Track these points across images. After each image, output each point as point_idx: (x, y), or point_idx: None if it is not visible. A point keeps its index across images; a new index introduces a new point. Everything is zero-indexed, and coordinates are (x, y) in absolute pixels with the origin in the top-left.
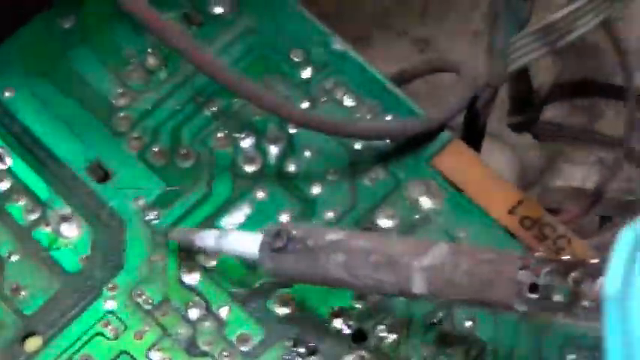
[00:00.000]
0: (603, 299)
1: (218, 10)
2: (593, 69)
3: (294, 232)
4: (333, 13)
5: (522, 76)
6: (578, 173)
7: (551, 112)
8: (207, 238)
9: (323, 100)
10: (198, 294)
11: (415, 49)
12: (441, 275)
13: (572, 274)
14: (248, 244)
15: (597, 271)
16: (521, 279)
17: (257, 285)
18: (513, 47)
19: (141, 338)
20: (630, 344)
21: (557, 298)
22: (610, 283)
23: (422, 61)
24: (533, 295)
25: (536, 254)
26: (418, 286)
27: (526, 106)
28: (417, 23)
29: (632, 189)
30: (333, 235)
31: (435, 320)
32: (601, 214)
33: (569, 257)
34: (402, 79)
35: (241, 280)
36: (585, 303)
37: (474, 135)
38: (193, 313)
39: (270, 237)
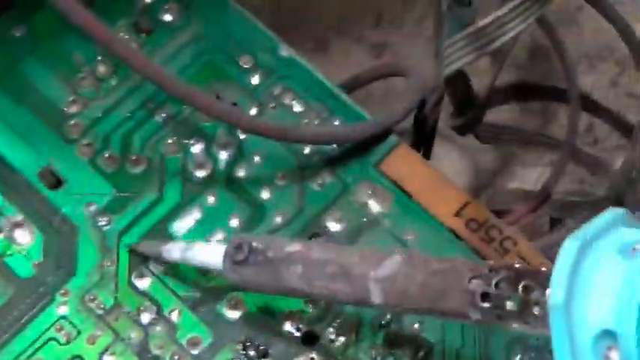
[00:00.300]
0: (549, 308)
1: (167, 17)
2: (543, 73)
3: (255, 245)
4: (291, 20)
5: (459, 78)
6: (531, 175)
7: (504, 115)
8: (173, 251)
9: (271, 105)
10: (150, 298)
11: (372, 55)
12: (396, 286)
13: (523, 283)
14: (212, 256)
15: (546, 280)
16: (473, 288)
17: (207, 289)
18: (447, 51)
19: (93, 343)
20: (576, 351)
21: (510, 306)
22: (554, 292)
23: (373, 66)
24: (486, 304)
25: (488, 262)
26: (374, 296)
27: (467, 108)
28: (373, 29)
29: (584, 190)
30: (291, 247)
31: (383, 322)
32: (551, 215)
33: (519, 265)
34: (355, 84)
35: (192, 284)
36: (536, 311)
37: (423, 138)
38: (145, 317)
39: (232, 249)
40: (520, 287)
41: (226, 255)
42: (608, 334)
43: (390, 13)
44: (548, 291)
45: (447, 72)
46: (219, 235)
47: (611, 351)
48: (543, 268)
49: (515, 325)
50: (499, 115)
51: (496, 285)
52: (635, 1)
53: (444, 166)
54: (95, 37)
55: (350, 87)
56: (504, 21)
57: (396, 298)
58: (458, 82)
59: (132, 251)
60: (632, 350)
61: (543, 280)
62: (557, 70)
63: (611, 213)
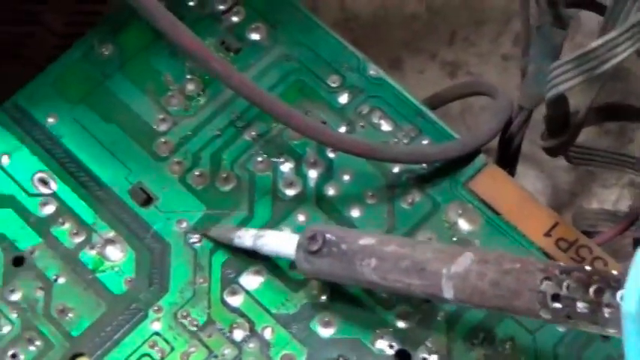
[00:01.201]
0: (622, 316)
1: (254, 36)
2: (624, 93)
3: (329, 236)
4: (364, 39)
5: (560, 101)
6: (611, 195)
7: (582, 136)
8: (245, 238)
9: (360, 124)
10: (242, 315)
11: (445, 73)
12: (468, 283)
13: (594, 285)
14: (285, 244)
15: (618, 283)
16: (545, 289)
17: (300, 305)
18: (552, 74)
19: (187, 359)
20: None
21: (580, 307)
22: (628, 301)
23: (458, 84)
24: (557, 305)
25: (559, 263)
26: (445, 292)
27: (562, 130)
28: (447, 47)
29: None
30: (365, 240)
31: (475, 341)
32: (635, 236)
33: (591, 267)
34: (438, 102)
35: (284, 301)
36: (607, 313)
37: (508, 157)
38: (238, 334)
39: (305, 239)
40: (591, 289)
41: (300, 245)
42: None
43: (464, 30)
44: (619, 294)
45: (553, 94)
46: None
47: None
48: (614, 271)
49: (585, 327)
50: (582, 135)
51: (567, 286)
52: None
53: (522, 185)
54: (195, 55)
55: (431, 105)
56: (615, 44)
57: (467, 294)
58: (558, 104)
59: (204, 236)
60: None
61: (615, 283)
62: (632, 89)
63: None
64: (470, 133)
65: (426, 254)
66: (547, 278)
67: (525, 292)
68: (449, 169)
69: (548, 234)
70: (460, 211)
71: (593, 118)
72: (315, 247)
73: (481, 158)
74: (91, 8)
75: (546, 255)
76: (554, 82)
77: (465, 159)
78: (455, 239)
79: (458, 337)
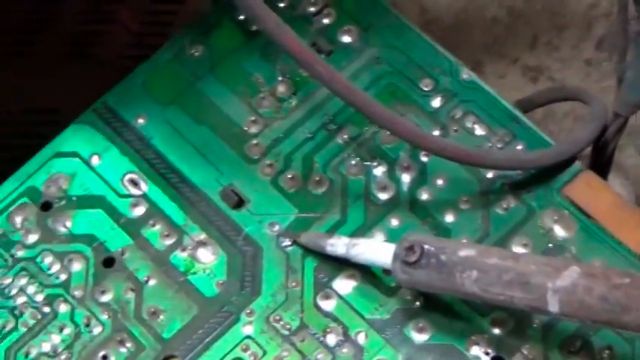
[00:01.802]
0: None
1: (346, 39)
2: None
3: (427, 247)
4: (445, 42)
5: None
6: None
7: None
8: (337, 246)
9: (454, 129)
10: (335, 319)
11: (527, 78)
12: (574, 297)
13: None
14: (380, 254)
15: None
16: None
17: (393, 310)
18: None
19: None
20: None
21: None
22: None
23: (547, 89)
24: None
25: None
26: (551, 306)
27: None
28: (529, 52)
29: None
30: (465, 252)
31: (573, 349)
32: None
33: None
34: (527, 107)
35: (377, 306)
36: None
37: (601, 164)
38: (331, 339)
39: (403, 250)
40: None
41: (397, 256)
42: None
43: (546, 35)
44: None
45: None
46: (380, 236)
47: None
48: None
49: None
50: None
51: None
52: None
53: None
54: (298, 58)
55: (523, 109)
56: None
57: (574, 309)
58: None
59: (295, 243)
60: None
61: None
62: None
63: None
64: (566, 140)
65: (530, 267)
66: None
67: (634, 308)
68: (544, 175)
69: None
70: (555, 218)
71: None
72: (413, 259)
73: (576, 165)
74: (167, 8)
75: None
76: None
77: (561, 165)
78: (550, 245)
79: (554, 344)
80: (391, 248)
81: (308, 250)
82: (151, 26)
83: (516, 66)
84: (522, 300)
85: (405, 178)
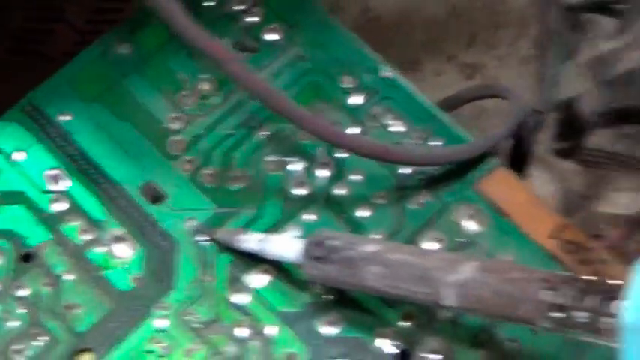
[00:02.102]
0: (621, 328)
1: (271, 37)
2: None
3: (335, 243)
4: (385, 40)
5: (571, 104)
6: (623, 200)
7: (596, 139)
8: (250, 241)
9: (373, 125)
10: (247, 314)
11: (463, 75)
12: (470, 292)
13: (595, 295)
14: (290, 250)
15: (618, 294)
16: (545, 298)
17: (304, 305)
18: (563, 77)
19: (190, 356)
20: None
21: (580, 317)
22: (628, 313)
23: (471, 86)
24: (556, 314)
25: (561, 274)
26: (448, 299)
27: (572, 133)
28: (466, 49)
29: None
30: (370, 247)
31: (478, 341)
32: None
33: (590, 277)
34: (452, 104)
35: (289, 300)
36: (606, 324)
37: (520, 160)
38: (242, 332)
39: (311, 245)
40: (591, 300)
41: (305, 251)
42: None
43: (484, 34)
44: (618, 304)
45: (563, 97)
46: (295, 231)
47: None
48: (614, 281)
49: (584, 336)
50: (592, 138)
51: (567, 296)
52: None
53: (534, 189)
54: (204, 50)
55: (448, 107)
56: (625, 49)
57: (470, 302)
58: (569, 107)
59: (211, 239)
60: None
61: (614, 294)
62: None
63: None
64: (482, 136)
65: (430, 262)
66: (548, 288)
67: (526, 301)
68: (460, 170)
69: (554, 236)
70: (469, 213)
71: (607, 121)
72: (320, 253)
73: (491, 161)
74: (112, 6)
75: (553, 257)
76: (566, 84)
77: (476, 161)
78: (463, 240)
79: (461, 337)
80: (301, 244)
81: (223, 246)
82: (96, 24)
83: (453, 63)
84: (422, 294)
85: (322, 174)
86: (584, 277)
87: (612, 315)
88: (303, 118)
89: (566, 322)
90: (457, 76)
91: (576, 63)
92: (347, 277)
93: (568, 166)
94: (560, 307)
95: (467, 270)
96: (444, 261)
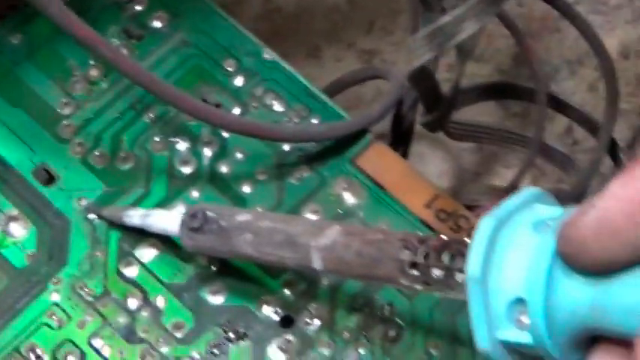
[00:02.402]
0: (467, 280)
1: (156, 24)
2: (525, 79)
3: (209, 213)
4: (285, 29)
5: (424, 75)
6: (512, 175)
7: (485, 117)
8: (133, 217)
9: (254, 105)
10: (137, 286)
11: (362, 61)
12: (335, 254)
13: (448, 253)
14: (170, 223)
15: (467, 250)
16: (403, 257)
17: (191, 276)
18: (409, 49)
19: (83, 327)
20: (491, 317)
21: (435, 274)
22: (471, 265)
23: (355, 70)
24: (414, 272)
25: (417, 234)
26: (315, 263)
27: (436, 105)
28: (365, 36)
29: (560, 190)
30: (242, 216)
31: (356, 306)
32: None
33: (445, 236)
34: (339, 88)
35: (176, 272)
36: (459, 279)
37: (401, 137)
38: (132, 304)
39: (188, 217)
40: (446, 257)
41: (183, 223)
42: (520, 301)
43: (381, 20)
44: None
45: (410, 68)
46: (181, 207)
47: (522, 315)
48: (467, 239)
49: (441, 292)
50: (481, 116)
51: (424, 254)
52: (608, 12)
53: (428, 167)
54: (86, 42)
55: (335, 90)
56: (462, 19)
57: (334, 264)
58: (423, 78)
59: (99, 216)
60: (539, 313)
61: (465, 250)
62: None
63: (528, 191)
64: (358, 113)
65: (297, 228)
66: (406, 247)
67: (386, 260)
68: (338, 147)
69: (428, 205)
70: (346, 186)
71: (476, 95)
72: (196, 224)
73: (368, 137)
74: None
75: (427, 226)
76: (411, 55)
77: (353, 137)
78: (340, 211)
79: (340, 302)
80: (180, 217)
81: (111, 223)
82: None
83: (352, 50)
84: (291, 259)
85: (207, 152)
86: (439, 236)
87: (462, 270)
88: (182, 100)
89: (424, 279)
90: (356, 62)
91: (417, 36)
92: (222, 246)
93: (461, 145)
94: (417, 265)
95: (330, 234)
96: (310, 226)
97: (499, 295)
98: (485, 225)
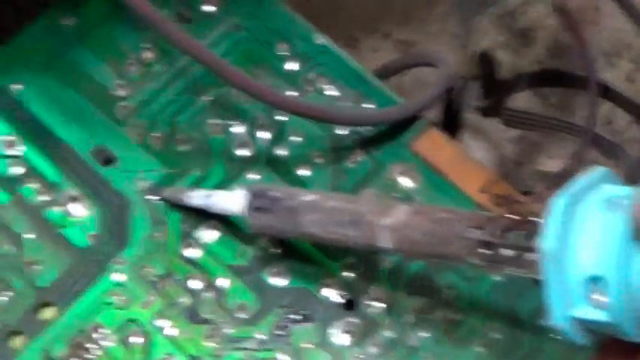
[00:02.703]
0: (542, 255)
1: (207, 8)
2: (563, 65)
3: (274, 193)
4: (321, 17)
5: (485, 60)
6: (555, 165)
7: (528, 104)
8: (195, 197)
9: (308, 89)
10: (199, 267)
11: (398, 51)
12: (402, 233)
13: (518, 231)
14: (233, 203)
15: (539, 229)
16: (472, 236)
17: (253, 257)
18: (472, 31)
19: (147, 307)
20: (566, 294)
21: (505, 252)
22: (547, 241)
23: (402, 55)
24: (483, 250)
25: (487, 213)
26: (382, 242)
27: (494, 89)
28: (400, 27)
29: None
30: (308, 197)
31: (416, 289)
32: None
33: (514, 216)
34: (385, 74)
35: (238, 254)
36: (530, 257)
37: (451, 123)
38: (194, 284)
39: (252, 197)
40: (515, 235)
41: (248, 202)
42: (596, 279)
43: (416, 11)
44: (540, 238)
45: (474, 50)
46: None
47: (598, 293)
48: (537, 219)
49: (510, 271)
50: (524, 103)
51: (493, 233)
52: None
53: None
54: (151, 22)
55: (380, 76)
56: (528, 3)
57: (403, 243)
58: (484, 61)
59: (159, 197)
60: (616, 291)
61: (536, 229)
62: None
63: (597, 171)
64: (412, 99)
65: (363, 207)
66: (474, 227)
67: (454, 239)
68: (392, 131)
69: (484, 190)
70: (402, 170)
71: (529, 82)
72: (262, 204)
73: (423, 121)
74: None
75: (482, 210)
76: (476, 39)
77: (407, 122)
78: (397, 195)
79: (400, 285)
80: (244, 196)
81: (171, 204)
82: (36, 3)
83: (389, 40)
84: (357, 238)
85: (264, 135)
86: (507, 216)
87: (534, 249)
88: (241, 80)
89: (493, 257)
90: (393, 53)
91: (483, 17)
92: (287, 225)
93: (502, 135)
94: (487, 244)
95: (398, 213)
96: (376, 206)
97: (575, 272)
98: (558, 202)
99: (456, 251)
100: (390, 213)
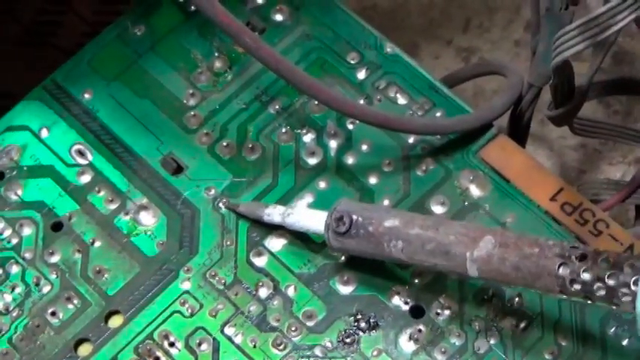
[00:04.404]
0: (638, 300)
1: (278, 17)
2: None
3: (355, 218)
4: (382, 26)
5: (564, 68)
6: (617, 172)
7: (589, 110)
8: (273, 215)
9: (377, 98)
10: (267, 274)
11: (460, 58)
12: (491, 266)
13: (610, 270)
14: (313, 223)
15: (632, 267)
16: (563, 274)
17: (320, 265)
18: (557, 42)
19: (215, 315)
20: None
21: (598, 290)
22: None
23: (471, 64)
24: (575, 287)
25: (576, 248)
26: (471, 271)
27: (567, 99)
28: (461, 34)
29: None
30: (390, 222)
31: (486, 297)
32: (637, 203)
33: (607, 251)
34: (452, 82)
35: (306, 262)
36: (622, 295)
37: (518, 132)
38: (263, 292)
39: (333, 221)
40: (607, 273)
41: (328, 226)
42: None
43: (478, 18)
44: (634, 279)
45: (558, 60)
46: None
47: None
48: (625, 254)
49: (602, 306)
50: (589, 111)
51: (584, 270)
52: None
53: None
54: (227, 30)
55: (448, 85)
56: (617, 11)
57: (492, 276)
58: (563, 71)
59: (234, 212)
60: None
61: (629, 266)
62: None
63: None
64: (482, 107)
65: (449, 237)
66: (564, 264)
67: (545, 276)
68: (461, 140)
69: (553, 198)
70: (471, 178)
71: (599, 90)
72: (343, 229)
73: (492, 130)
74: None
75: (553, 218)
76: (560, 49)
77: (477, 131)
78: (466, 204)
79: (469, 293)
80: (323, 217)
81: (247, 220)
82: (103, 15)
83: (450, 47)
84: (445, 267)
85: (332, 144)
86: (600, 250)
87: (629, 287)
88: (317, 89)
89: (585, 295)
90: (454, 59)
91: (569, 28)
92: (370, 250)
93: (564, 142)
94: (578, 282)
95: (484, 246)
96: (462, 236)
97: None
98: None
99: (546, 287)
100: (476, 245)
